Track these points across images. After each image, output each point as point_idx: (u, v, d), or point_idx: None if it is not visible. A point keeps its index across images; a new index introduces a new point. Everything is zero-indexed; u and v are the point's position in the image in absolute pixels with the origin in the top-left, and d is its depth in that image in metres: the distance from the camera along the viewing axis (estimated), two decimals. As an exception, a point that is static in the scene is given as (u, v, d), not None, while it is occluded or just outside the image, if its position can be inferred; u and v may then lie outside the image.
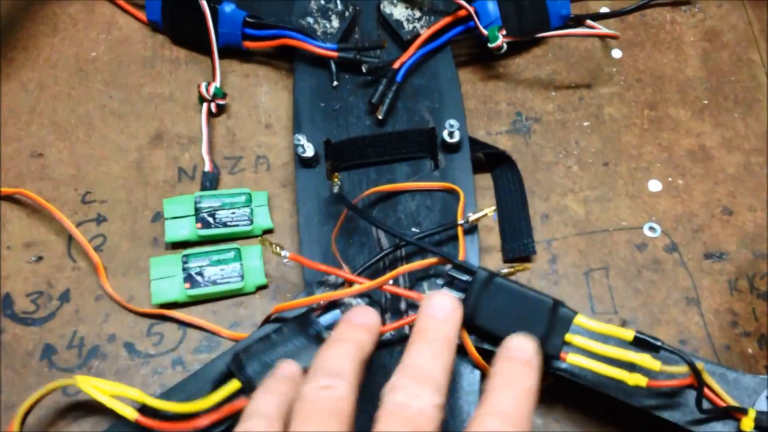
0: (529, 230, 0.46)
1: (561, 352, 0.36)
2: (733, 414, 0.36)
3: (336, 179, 0.44)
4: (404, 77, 0.48)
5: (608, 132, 0.49)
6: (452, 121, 0.45)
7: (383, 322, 0.40)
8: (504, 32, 0.48)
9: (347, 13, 0.50)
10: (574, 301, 0.44)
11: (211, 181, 0.48)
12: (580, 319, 0.36)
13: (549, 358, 0.36)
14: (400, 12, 0.50)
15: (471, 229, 0.43)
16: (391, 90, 0.47)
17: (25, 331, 0.44)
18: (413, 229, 0.43)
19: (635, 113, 0.50)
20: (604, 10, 0.53)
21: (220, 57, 0.51)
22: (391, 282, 0.40)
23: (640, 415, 0.37)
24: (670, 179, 0.48)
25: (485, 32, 0.48)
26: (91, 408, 0.42)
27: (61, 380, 0.38)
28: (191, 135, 0.50)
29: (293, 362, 0.34)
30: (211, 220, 0.46)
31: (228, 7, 0.50)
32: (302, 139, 0.45)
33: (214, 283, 0.44)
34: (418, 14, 0.50)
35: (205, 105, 0.50)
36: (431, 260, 0.40)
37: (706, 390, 0.36)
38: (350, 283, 0.40)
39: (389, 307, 0.41)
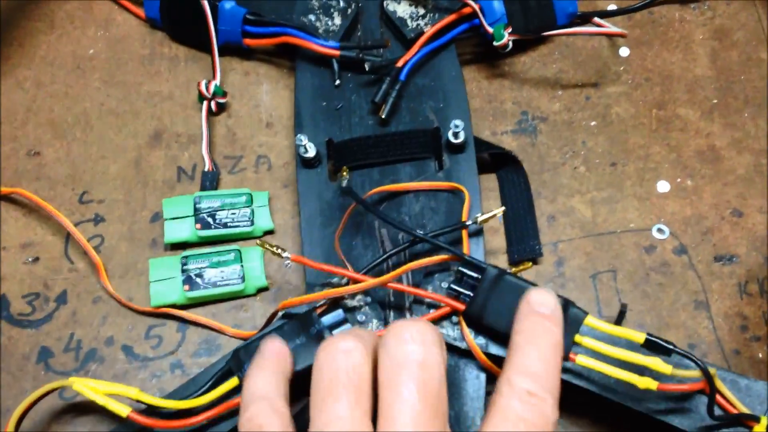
0: (536, 232, 0.45)
1: (570, 353, 0.35)
2: (744, 422, 0.35)
3: (345, 173, 0.43)
4: (408, 76, 0.47)
5: (616, 132, 0.49)
6: (457, 121, 0.44)
7: (387, 322, 0.40)
8: (509, 30, 0.47)
9: (350, 11, 0.50)
10: (581, 304, 0.42)
11: (210, 181, 0.47)
12: (590, 320, 0.36)
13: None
14: (403, 9, 0.50)
15: (477, 231, 0.42)
16: (394, 89, 0.46)
17: (21, 334, 0.43)
18: (418, 231, 0.43)
19: (643, 113, 0.49)
20: (612, 7, 0.52)
21: (220, 55, 0.50)
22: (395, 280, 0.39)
23: (646, 424, 0.37)
24: (678, 180, 0.47)
25: (490, 30, 0.47)
26: (87, 411, 0.41)
27: (56, 382, 0.38)
28: (191, 134, 0.49)
29: (278, 338, 0.34)
30: (210, 220, 0.45)
31: (228, 4, 0.49)
32: (304, 140, 0.44)
33: (214, 285, 0.43)
34: (422, 12, 0.49)
35: (204, 103, 0.49)
36: (441, 257, 0.40)
37: (717, 396, 0.35)
38: (355, 282, 0.39)
39: (393, 305, 0.41)
